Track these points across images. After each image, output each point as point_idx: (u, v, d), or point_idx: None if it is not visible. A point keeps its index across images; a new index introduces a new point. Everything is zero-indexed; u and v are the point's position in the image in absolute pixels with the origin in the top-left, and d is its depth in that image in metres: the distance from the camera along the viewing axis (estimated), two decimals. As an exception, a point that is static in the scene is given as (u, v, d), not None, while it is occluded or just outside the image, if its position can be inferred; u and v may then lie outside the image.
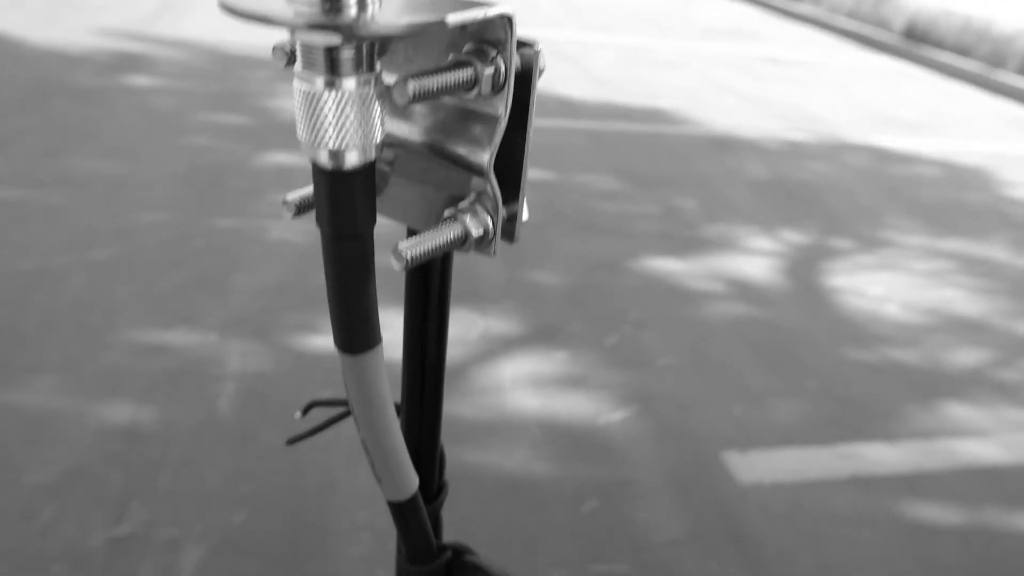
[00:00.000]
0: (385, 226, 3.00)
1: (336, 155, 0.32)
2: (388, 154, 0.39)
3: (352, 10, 0.29)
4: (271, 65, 4.99)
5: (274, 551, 1.60)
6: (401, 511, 0.43)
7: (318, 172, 0.33)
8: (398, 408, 0.47)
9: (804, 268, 3.20)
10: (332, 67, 0.31)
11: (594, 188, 3.73)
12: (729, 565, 1.72)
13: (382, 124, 0.33)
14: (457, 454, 1.94)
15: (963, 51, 7.82)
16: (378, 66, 0.32)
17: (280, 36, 5.77)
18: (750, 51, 7.50)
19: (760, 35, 8.48)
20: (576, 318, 2.61)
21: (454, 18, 0.30)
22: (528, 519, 1.77)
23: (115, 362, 2.10)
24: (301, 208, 0.39)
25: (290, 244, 2.83)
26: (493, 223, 0.37)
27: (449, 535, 1.74)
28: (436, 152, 0.37)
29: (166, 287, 2.48)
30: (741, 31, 8.56)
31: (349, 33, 0.28)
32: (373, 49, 0.32)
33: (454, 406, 2.11)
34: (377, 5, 0.30)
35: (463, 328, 2.46)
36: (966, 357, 2.70)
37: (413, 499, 0.43)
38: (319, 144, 0.32)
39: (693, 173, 4.09)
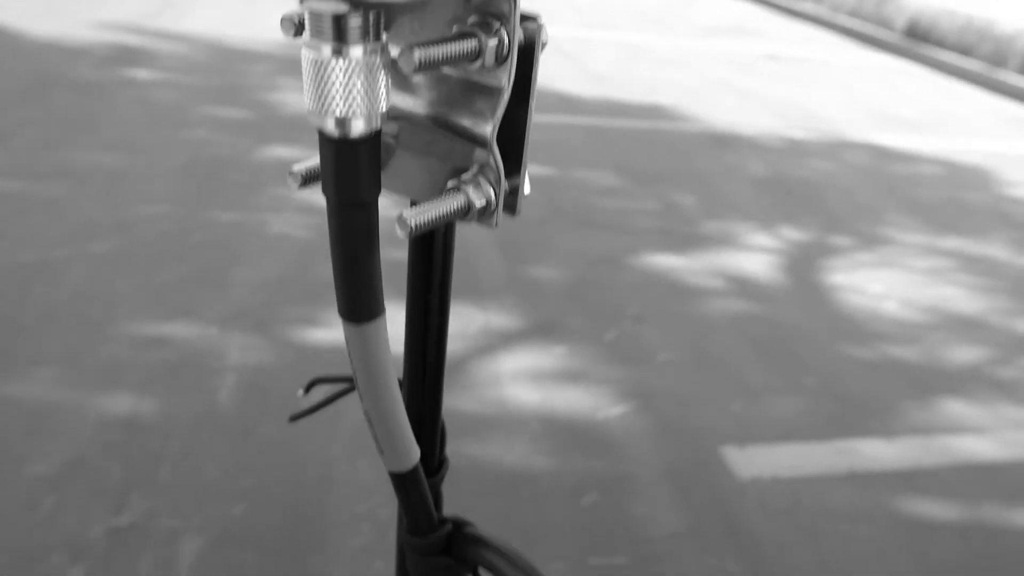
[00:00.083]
0: (385, 223, 3.00)
1: (342, 123, 0.32)
2: (393, 128, 0.39)
3: None
4: (272, 60, 4.99)
5: (274, 543, 1.61)
6: (403, 482, 0.44)
7: (324, 140, 0.33)
8: (401, 384, 0.48)
9: (803, 265, 3.20)
10: (339, 35, 0.31)
11: (594, 184, 3.73)
12: (727, 559, 1.72)
13: (388, 94, 0.33)
14: (457, 448, 1.94)
15: (964, 50, 7.82)
16: (384, 37, 0.33)
17: (279, 23, 5.79)
18: (751, 49, 7.50)
19: (762, 33, 8.48)
20: (576, 313, 2.61)
21: None
22: (527, 512, 1.77)
23: (115, 354, 2.11)
24: (307, 179, 0.39)
25: (290, 238, 2.83)
26: (495, 194, 0.37)
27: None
28: (440, 124, 0.37)
29: (166, 280, 2.48)
30: (743, 29, 8.55)
31: (356, 0, 0.28)
32: (379, 18, 0.32)
33: (454, 400, 2.11)
34: None
35: (463, 323, 2.47)
36: (964, 355, 2.71)
37: (414, 471, 0.43)
38: (326, 112, 0.32)
39: (693, 170, 4.10)
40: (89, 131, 3.54)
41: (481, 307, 2.57)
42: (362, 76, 0.32)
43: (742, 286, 2.95)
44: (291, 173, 0.39)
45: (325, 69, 0.31)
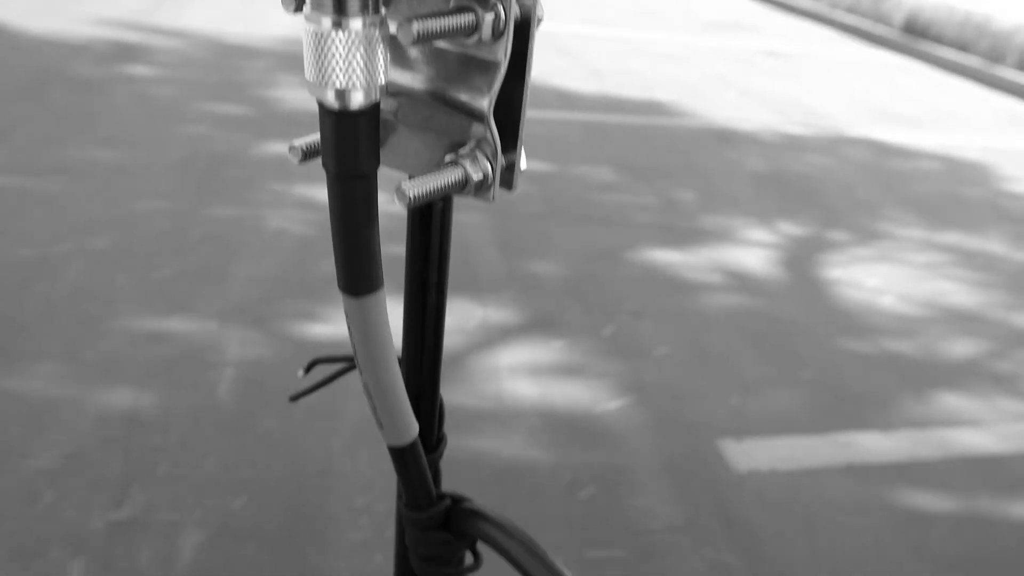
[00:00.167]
0: (386, 221, 3.00)
1: (342, 95, 0.33)
2: (392, 104, 0.40)
3: None
4: (270, 56, 4.99)
5: (273, 536, 1.61)
6: (402, 456, 0.44)
7: (324, 113, 0.34)
8: (399, 363, 0.48)
9: (801, 260, 3.21)
10: (339, 7, 0.31)
11: (592, 180, 3.73)
12: (725, 551, 1.73)
13: (386, 67, 0.34)
14: (456, 441, 1.94)
15: (962, 46, 7.83)
16: (383, 11, 0.33)
17: (277, 19, 5.76)
18: (750, 45, 7.50)
19: (760, 29, 8.48)
20: (574, 308, 2.62)
21: None
22: (525, 505, 1.78)
23: (115, 349, 2.11)
24: (307, 154, 0.40)
25: (288, 233, 2.84)
26: (492, 168, 0.38)
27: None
28: (438, 99, 0.38)
29: (165, 275, 2.48)
30: (741, 25, 8.56)
31: None
32: None
33: (453, 394, 2.12)
34: None
35: (462, 317, 2.47)
36: (961, 348, 2.72)
37: (413, 445, 0.44)
38: (326, 83, 0.33)
39: (691, 165, 4.10)
40: (88, 127, 3.54)
41: (480, 302, 2.57)
42: (362, 48, 0.32)
43: (740, 281, 2.96)
44: (291, 148, 0.39)
45: (325, 41, 0.32)
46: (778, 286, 2.96)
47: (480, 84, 0.36)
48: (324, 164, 0.35)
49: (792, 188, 3.99)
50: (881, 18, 8.96)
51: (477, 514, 0.46)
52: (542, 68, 5.59)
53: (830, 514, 1.88)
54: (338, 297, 2.48)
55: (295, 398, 0.50)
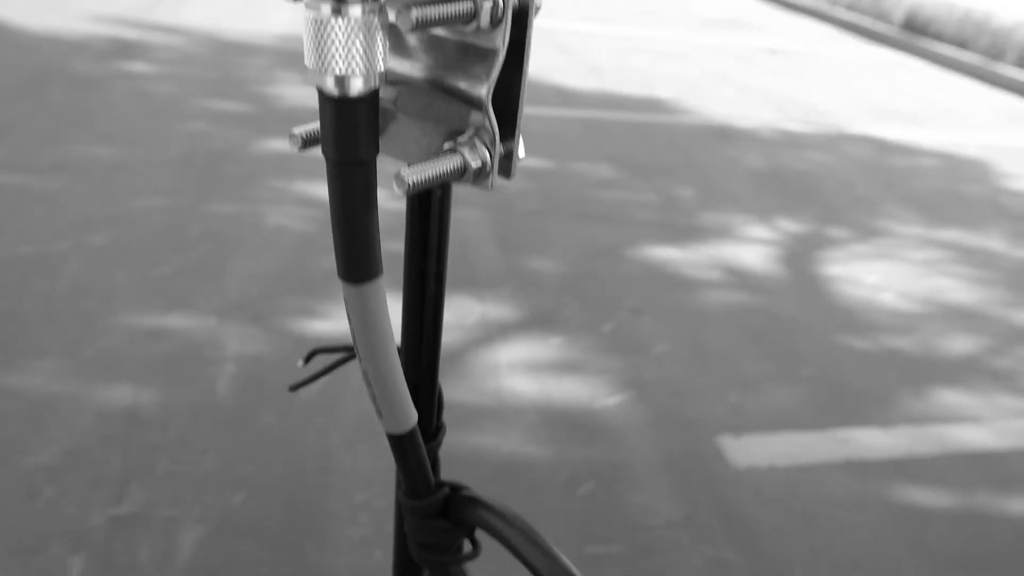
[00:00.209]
0: (386, 219, 3.00)
1: (342, 81, 0.33)
2: (391, 93, 0.40)
3: None
4: (269, 53, 4.99)
5: (272, 532, 1.62)
6: (401, 444, 0.44)
7: (324, 100, 0.34)
8: (398, 352, 0.48)
9: (801, 257, 3.21)
10: None
11: (591, 177, 3.73)
12: (723, 547, 1.73)
13: (385, 54, 0.34)
14: (454, 437, 1.95)
15: (962, 43, 7.83)
16: None
17: (276, 16, 5.76)
18: (749, 42, 7.50)
19: (760, 26, 8.48)
20: (573, 305, 2.62)
21: None
22: (524, 501, 1.78)
23: (114, 346, 2.11)
24: (307, 141, 0.40)
25: (288, 230, 2.84)
26: (491, 156, 0.38)
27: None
28: (437, 87, 0.38)
29: (164, 272, 2.48)
30: (740, 22, 8.55)
31: None
32: None
33: (452, 390, 2.12)
34: None
35: (460, 314, 2.47)
36: (960, 345, 2.72)
37: (412, 433, 0.44)
38: (326, 70, 0.33)
39: (691, 162, 4.10)
40: (87, 125, 3.54)
41: (479, 298, 2.57)
42: (361, 35, 0.32)
43: (739, 278, 2.96)
44: (292, 135, 0.40)
45: (325, 28, 0.32)
46: (777, 283, 2.96)
47: (478, 72, 0.37)
48: (324, 151, 0.35)
49: (792, 185, 3.99)
50: (881, 15, 8.96)
51: (476, 502, 0.47)
52: (541, 65, 5.59)
53: (828, 510, 1.88)
54: (337, 293, 2.48)
55: (295, 388, 0.50)
